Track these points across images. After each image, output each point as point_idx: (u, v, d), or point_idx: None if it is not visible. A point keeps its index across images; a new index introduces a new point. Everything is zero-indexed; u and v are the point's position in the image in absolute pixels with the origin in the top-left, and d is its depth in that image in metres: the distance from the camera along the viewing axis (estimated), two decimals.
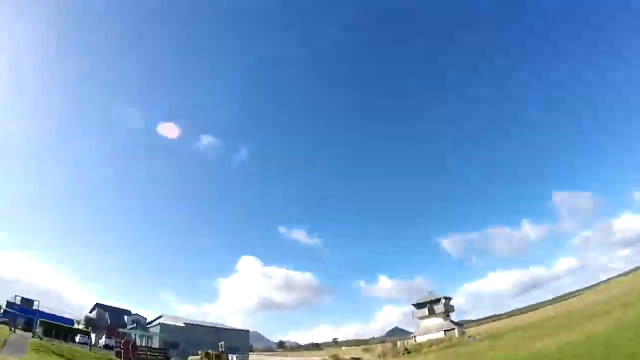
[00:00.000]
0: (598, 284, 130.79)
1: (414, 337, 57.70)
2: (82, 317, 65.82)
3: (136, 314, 74.35)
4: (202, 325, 69.71)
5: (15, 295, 41.28)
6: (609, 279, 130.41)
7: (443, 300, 58.08)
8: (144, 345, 47.89)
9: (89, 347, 34.81)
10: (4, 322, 34.91)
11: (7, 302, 41.45)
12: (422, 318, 58.73)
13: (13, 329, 30.74)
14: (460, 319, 68.69)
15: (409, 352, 44.83)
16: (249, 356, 67.84)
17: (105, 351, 38.11)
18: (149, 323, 68.92)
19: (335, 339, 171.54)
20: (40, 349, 22.46)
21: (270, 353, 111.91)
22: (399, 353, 46.70)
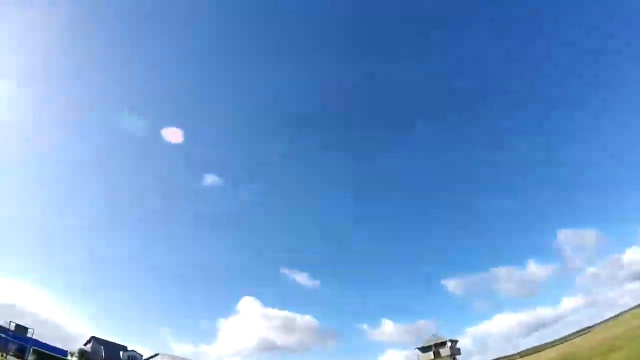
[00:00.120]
0: (608, 319, 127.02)
1: None
2: (76, 349, 63.92)
3: (132, 351, 72.11)
4: None
5: (10, 321, 40.43)
6: (618, 314, 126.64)
7: (449, 343, 56.27)
8: None
9: None
10: None
11: (0, 327, 40.56)
12: None
13: (4, 354, 29.89)
14: None
15: None
16: None
17: None
18: None
19: None
20: None
21: None
22: None
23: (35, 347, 38.00)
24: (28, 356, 33.76)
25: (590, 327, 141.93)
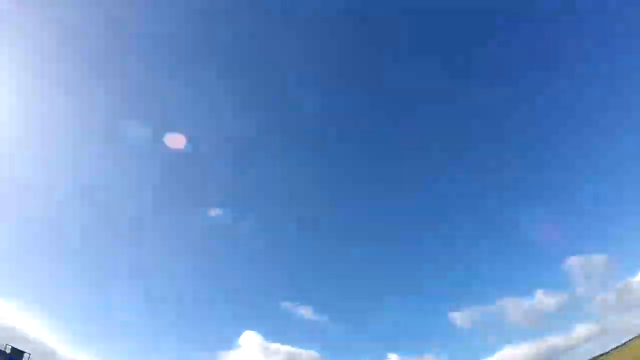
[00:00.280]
0: (624, 344, 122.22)
1: None
2: None
3: None
4: None
5: (6, 344, 42.27)
6: (632, 339, 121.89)
7: None
8: None
9: None
10: None
11: None
12: None
13: None
14: None
15: None
16: None
17: None
18: None
19: None
20: None
21: None
22: None
23: None
24: None
25: (603, 354, 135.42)
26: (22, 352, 43.04)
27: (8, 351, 41.65)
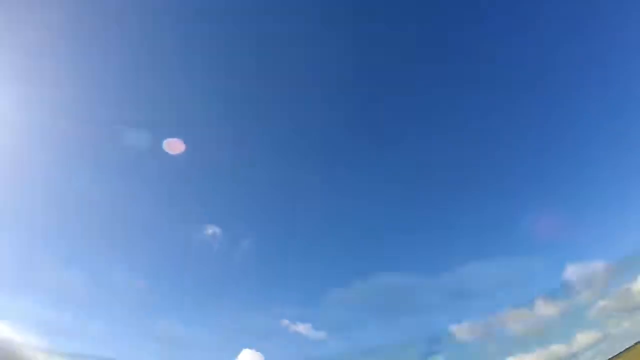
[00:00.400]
0: (626, 350, 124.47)
1: None
2: None
3: None
4: None
5: None
6: (634, 344, 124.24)
7: None
8: None
9: None
10: None
11: None
12: None
13: None
14: None
15: None
16: None
17: None
18: None
19: None
20: None
21: None
22: None
23: None
24: None
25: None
26: None
27: None
